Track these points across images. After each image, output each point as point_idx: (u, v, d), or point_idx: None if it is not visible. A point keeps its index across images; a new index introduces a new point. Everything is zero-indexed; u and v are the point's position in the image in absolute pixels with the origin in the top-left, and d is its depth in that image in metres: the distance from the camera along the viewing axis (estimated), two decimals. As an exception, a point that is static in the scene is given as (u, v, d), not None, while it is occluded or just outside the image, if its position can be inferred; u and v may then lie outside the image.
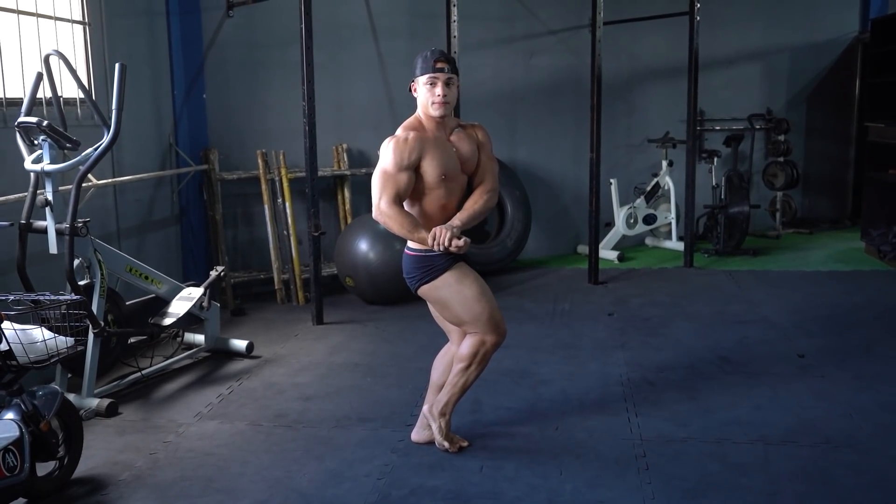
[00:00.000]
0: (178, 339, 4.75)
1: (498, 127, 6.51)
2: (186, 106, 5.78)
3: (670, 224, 7.56)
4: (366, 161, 6.44)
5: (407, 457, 3.28)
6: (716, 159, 7.48)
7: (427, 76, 3.06)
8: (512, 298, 5.88)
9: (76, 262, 3.77)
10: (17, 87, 4.20)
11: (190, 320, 4.48)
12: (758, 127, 8.24)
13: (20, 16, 4.24)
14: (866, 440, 3.35)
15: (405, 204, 3.11)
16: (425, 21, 6.56)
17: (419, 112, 3.15)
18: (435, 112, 3.08)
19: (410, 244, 3.13)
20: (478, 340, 3.13)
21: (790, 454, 3.23)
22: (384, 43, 6.56)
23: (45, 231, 3.71)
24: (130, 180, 5.05)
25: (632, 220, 7.31)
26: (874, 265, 6.78)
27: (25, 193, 3.75)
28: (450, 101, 3.09)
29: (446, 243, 2.93)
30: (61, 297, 3.31)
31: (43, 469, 2.98)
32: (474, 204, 3.14)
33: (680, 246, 7.24)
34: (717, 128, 8.27)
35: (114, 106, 3.65)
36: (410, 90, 3.16)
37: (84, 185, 3.91)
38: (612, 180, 7.18)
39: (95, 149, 3.67)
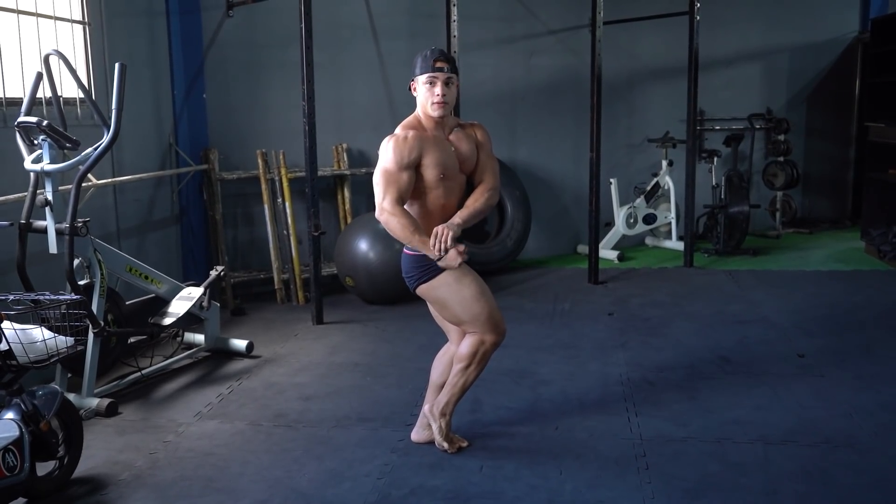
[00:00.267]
0: (178, 338, 4.75)
1: (498, 127, 6.51)
2: (186, 106, 5.78)
3: (670, 224, 7.56)
4: (366, 161, 6.44)
5: (407, 456, 3.28)
6: (716, 159, 7.48)
7: (426, 75, 3.06)
8: (512, 298, 5.88)
9: (76, 261, 3.77)
10: (17, 87, 4.20)
11: (190, 320, 4.48)
12: (758, 127, 8.24)
13: (20, 16, 4.24)
14: (866, 440, 3.35)
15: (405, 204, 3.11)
16: (425, 21, 6.56)
17: (418, 111, 3.15)
18: (434, 112, 3.08)
19: (410, 244, 3.13)
20: (477, 340, 3.13)
21: (790, 454, 3.23)
22: (384, 43, 6.56)
23: (44, 231, 3.71)
24: (130, 180, 5.06)
25: (632, 220, 7.31)
26: (874, 265, 6.78)
27: (25, 193, 3.75)
28: (449, 100, 3.09)
29: (448, 243, 2.93)
30: (61, 297, 3.32)
31: (43, 469, 2.98)
32: (475, 202, 3.13)
33: (680, 246, 7.24)
34: (717, 128, 8.26)
35: (114, 106, 3.65)
36: (410, 89, 3.16)
37: (84, 184, 3.91)
38: (612, 180, 7.18)
39: (95, 149, 3.66)
